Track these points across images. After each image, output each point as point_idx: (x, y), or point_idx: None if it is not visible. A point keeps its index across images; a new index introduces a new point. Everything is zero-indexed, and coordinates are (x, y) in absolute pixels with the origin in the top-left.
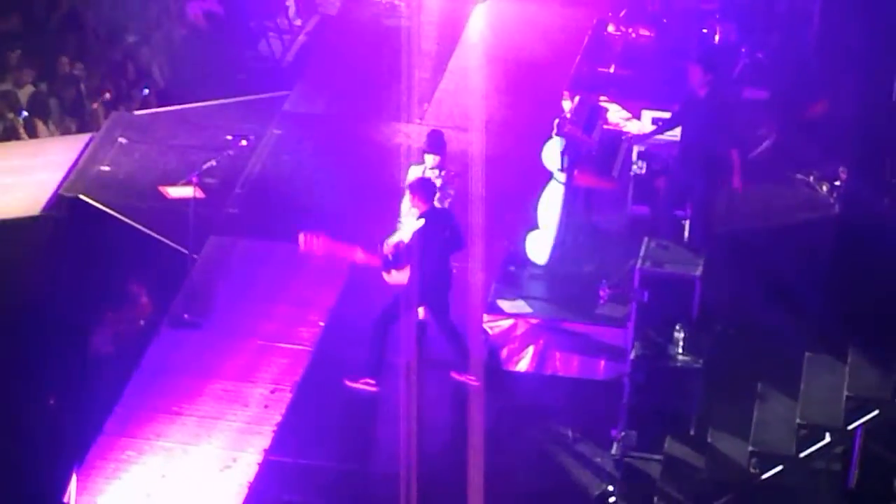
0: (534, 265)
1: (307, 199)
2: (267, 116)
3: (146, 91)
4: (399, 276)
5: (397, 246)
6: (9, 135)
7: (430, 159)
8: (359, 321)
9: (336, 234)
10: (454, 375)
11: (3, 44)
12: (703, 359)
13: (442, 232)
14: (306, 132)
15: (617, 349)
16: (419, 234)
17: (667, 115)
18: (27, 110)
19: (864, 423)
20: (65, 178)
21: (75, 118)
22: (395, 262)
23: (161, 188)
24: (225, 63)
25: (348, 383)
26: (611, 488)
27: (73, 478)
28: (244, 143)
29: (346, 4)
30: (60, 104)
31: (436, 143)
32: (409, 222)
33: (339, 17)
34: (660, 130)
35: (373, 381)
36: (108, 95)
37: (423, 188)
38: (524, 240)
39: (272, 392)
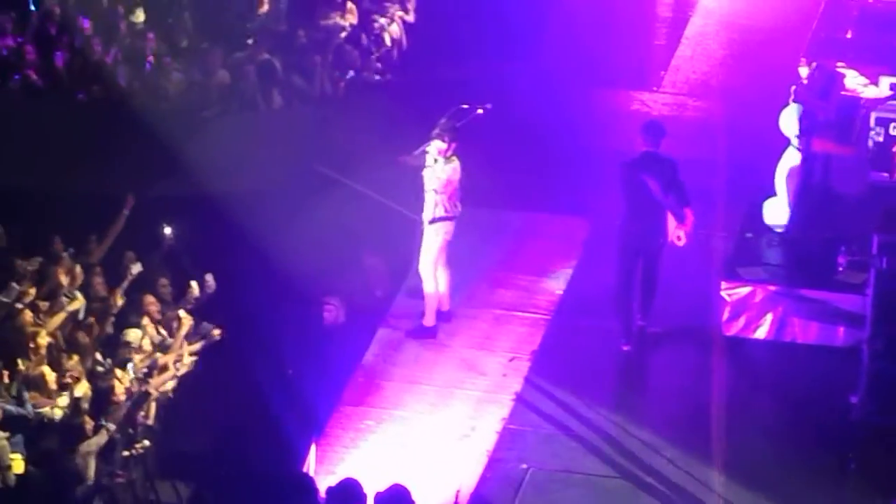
0: (771, 232)
1: (543, 168)
2: (494, 84)
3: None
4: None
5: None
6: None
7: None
8: (596, 289)
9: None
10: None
11: None
12: None
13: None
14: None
15: (856, 316)
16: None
17: None
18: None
19: None
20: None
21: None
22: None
23: (399, 157)
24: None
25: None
26: (850, 455)
27: (313, 448)
28: (481, 111)
29: None
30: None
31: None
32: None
33: None
34: None
35: (626, 344)
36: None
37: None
38: (762, 207)
39: (510, 361)
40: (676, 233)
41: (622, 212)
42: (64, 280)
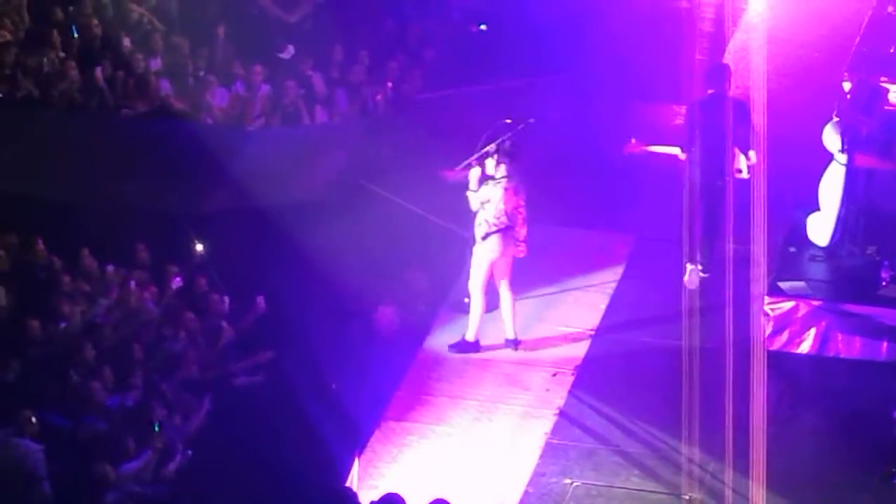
0: (815, 246)
1: (581, 181)
2: (536, 98)
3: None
4: None
5: None
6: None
7: None
8: (639, 304)
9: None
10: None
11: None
12: None
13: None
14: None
15: None
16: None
17: None
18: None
19: None
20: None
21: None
22: None
23: (442, 172)
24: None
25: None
26: (894, 471)
27: (356, 462)
28: (523, 126)
29: None
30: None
31: None
32: None
33: None
34: None
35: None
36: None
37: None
38: (805, 221)
39: (553, 376)
40: (738, 166)
41: (689, 149)
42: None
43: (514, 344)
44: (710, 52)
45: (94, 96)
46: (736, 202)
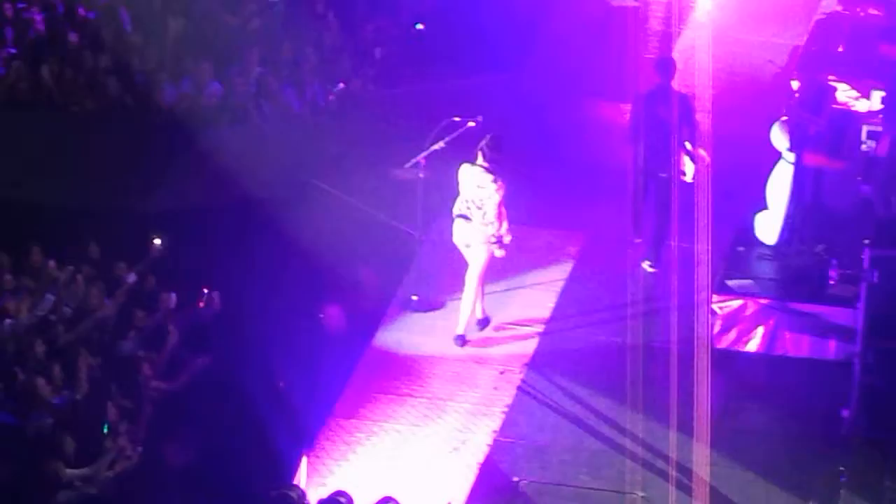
0: (763, 245)
1: (530, 179)
2: (485, 96)
3: None
4: None
5: None
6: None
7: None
8: (588, 302)
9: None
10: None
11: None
12: None
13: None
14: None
15: (847, 329)
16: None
17: None
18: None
19: None
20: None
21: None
22: None
23: (392, 170)
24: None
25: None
26: (841, 469)
27: (304, 460)
28: (472, 124)
29: None
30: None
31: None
32: None
33: None
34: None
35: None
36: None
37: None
38: (753, 220)
39: (501, 373)
40: (684, 169)
41: (634, 141)
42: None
43: (485, 323)
44: (659, 51)
45: (42, 94)
46: (684, 201)
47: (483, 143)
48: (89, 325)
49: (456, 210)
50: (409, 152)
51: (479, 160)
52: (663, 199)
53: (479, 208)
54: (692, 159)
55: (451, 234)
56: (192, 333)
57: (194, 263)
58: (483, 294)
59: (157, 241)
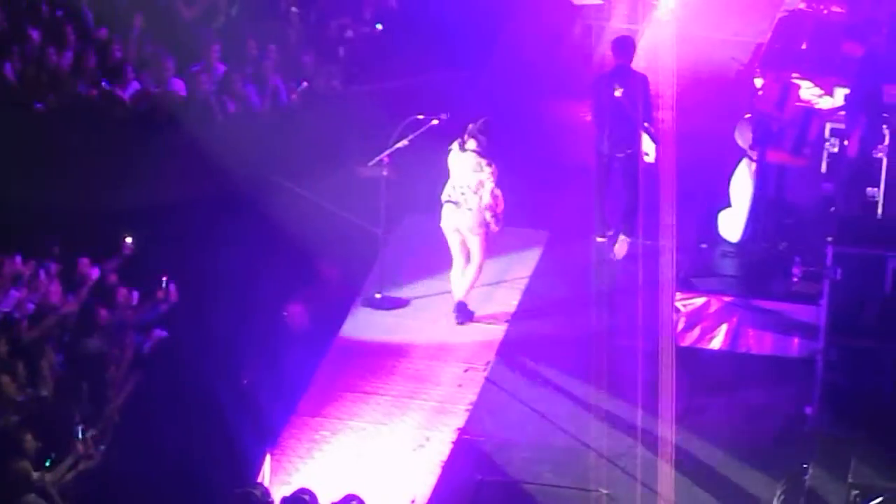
0: (726, 242)
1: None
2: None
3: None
4: None
5: None
6: None
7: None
8: (551, 299)
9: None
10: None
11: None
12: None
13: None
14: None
15: (810, 326)
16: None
17: None
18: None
19: None
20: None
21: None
22: None
23: (355, 167)
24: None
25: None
26: (805, 466)
27: (267, 458)
28: (436, 122)
29: None
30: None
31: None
32: None
33: None
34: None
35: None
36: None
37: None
38: (716, 217)
39: (465, 371)
40: (646, 149)
41: (596, 122)
42: None
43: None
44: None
45: (4, 91)
46: (647, 197)
47: (475, 127)
48: (52, 322)
49: (445, 196)
50: (372, 150)
51: (472, 145)
52: (630, 175)
53: (476, 193)
54: (652, 139)
55: (414, 232)
56: (152, 327)
57: (156, 261)
58: (473, 284)
59: (129, 240)
